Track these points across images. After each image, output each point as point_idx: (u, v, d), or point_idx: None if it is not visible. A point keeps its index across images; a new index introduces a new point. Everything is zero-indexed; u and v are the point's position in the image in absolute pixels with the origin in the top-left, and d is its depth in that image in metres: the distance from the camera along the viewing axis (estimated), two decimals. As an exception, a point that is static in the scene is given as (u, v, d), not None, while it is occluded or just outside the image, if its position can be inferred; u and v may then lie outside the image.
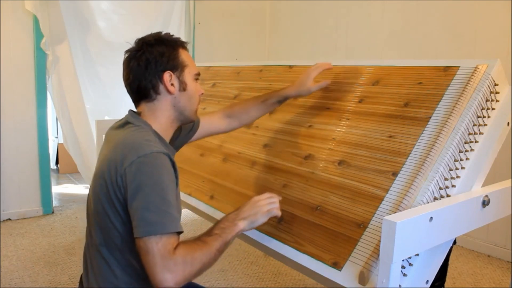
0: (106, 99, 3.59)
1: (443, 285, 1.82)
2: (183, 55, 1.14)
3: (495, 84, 1.09)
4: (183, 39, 1.20)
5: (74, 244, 2.80)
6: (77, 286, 1.19)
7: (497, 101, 1.09)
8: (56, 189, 4.08)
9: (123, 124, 1.11)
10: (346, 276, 0.95)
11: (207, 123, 1.41)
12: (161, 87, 1.10)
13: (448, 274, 1.90)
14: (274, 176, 1.34)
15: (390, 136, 1.15)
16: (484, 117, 1.07)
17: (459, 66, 1.15)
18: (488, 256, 2.71)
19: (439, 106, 1.11)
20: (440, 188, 0.99)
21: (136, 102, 1.15)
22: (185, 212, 1.64)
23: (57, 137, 4.85)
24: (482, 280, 2.39)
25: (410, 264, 0.91)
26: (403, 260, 0.88)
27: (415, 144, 1.07)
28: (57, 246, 2.77)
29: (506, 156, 2.47)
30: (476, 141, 1.05)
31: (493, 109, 1.08)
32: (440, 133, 1.04)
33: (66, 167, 4.72)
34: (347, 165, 1.18)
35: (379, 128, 1.19)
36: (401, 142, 1.11)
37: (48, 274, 2.38)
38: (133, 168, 0.94)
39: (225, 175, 1.51)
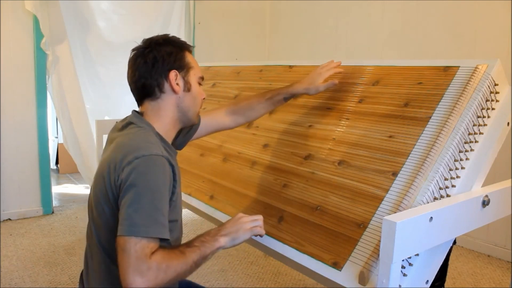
0: (106, 99, 3.59)
1: (443, 285, 1.82)
2: (189, 57, 1.15)
3: (495, 84, 1.09)
4: (183, 39, 1.21)
5: (74, 244, 2.80)
6: (77, 286, 1.19)
7: (497, 101, 1.09)
8: (56, 189, 4.08)
9: (126, 125, 1.11)
10: (346, 276, 0.95)
11: (211, 120, 1.40)
12: (167, 86, 1.11)
13: (448, 274, 1.90)
14: (274, 176, 1.34)
15: (390, 136, 1.15)
16: (484, 117, 1.07)
17: (459, 66, 1.15)
18: (488, 256, 2.71)
19: (439, 106, 1.11)
20: (440, 188, 0.99)
21: (140, 100, 1.15)
22: (185, 212, 1.64)
23: (57, 137, 4.85)
24: (482, 280, 2.39)
25: (410, 264, 0.91)
26: (403, 260, 0.88)
27: (415, 144, 1.07)
28: (57, 246, 2.77)
29: (506, 156, 2.47)
30: (476, 141, 1.05)
31: (493, 109, 1.08)
32: (440, 133, 1.04)
33: (66, 167, 4.72)
34: (347, 165, 1.18)
35: (379, 128, 1.19)
36: (401, 142, 1.11)
37: (48, 274, 2.38)
38: (129, 167, 0.94)
39: (225, 175, 1.51)
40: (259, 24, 4.33)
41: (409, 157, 1.06)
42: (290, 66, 1.68)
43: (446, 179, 1.00)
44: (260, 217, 1.09)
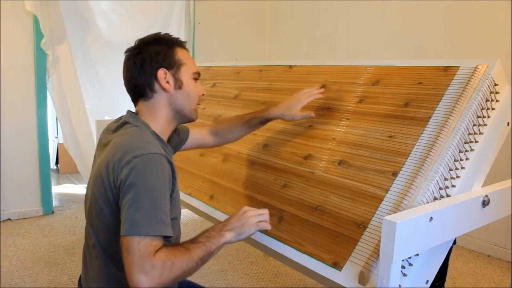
0: (106, 99, 3.59)
1: (443, 285, 1.82)
2: (180, 53, 1.14)
3: (495, 84, 1.09)
4: (183, 39, 1.21)
5: (74, 244, 2.80)
6: (76, 287, 1.19)
7: (497, 101, 1.09)
8: (56, 189, 4.08)
9: (121, 124, 1.11)
10: (346, 276, 0.95)
11: (197, 135, 1.42)
12: (157, 85, 1.11)
13: (448, 274, 1.90)
14: (274, 176, 1.34)
15: (390, 136, 1.15)
16: (484, 117, 1.07)
17: (459, 66, 1.15)
18: (488, 256, 2.71)
19: (439, 106, 1.11)
20: (440, 188, 0.99)
21: (134, 101, 1.16)
22: (185, 212, 1.64)
23: (57, 137, 4.85)
24: (482, 280, 2.39)
25: (410, 264, 0.91)
26: (403, 260, 0.88)
27: (415, 144, 1.07)
28: (57, 246, 2.77)
29: (506, 156, 2.47)
30: (476, 141, 1.05)
31: (493, 109, 1.08)
32: (440, 133, 1.04)
33: (66, 167, 4.72)
34: (347, 165, 1.18)
35: (379, 128, 1.19)
36: (401, 142, 1.11)
37: (48, 274, 2.38)
38: (128, 167, 0.94)
39: (225, 175, 1.51)
40: (259, 24, 4.33)
41: (409, 157, 1.06)
42: (290, 66, 1.68)
43: (446, 179, 1.00)
44: (265, 211, 1.07)
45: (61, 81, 3.24)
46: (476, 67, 1.10)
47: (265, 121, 1.39)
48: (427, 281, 0.96)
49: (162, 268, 0.87)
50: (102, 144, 1.13)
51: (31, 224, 3.14)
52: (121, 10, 3.52)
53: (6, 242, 2.79)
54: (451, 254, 2.40)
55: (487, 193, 1.04)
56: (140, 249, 0.87)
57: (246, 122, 1.39)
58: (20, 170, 3.22)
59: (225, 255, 2.64)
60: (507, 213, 1.14)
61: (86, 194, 1.13)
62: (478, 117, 1.06)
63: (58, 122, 3.83)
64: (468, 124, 1.04)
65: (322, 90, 1.38)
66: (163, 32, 1.17)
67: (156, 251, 0.88)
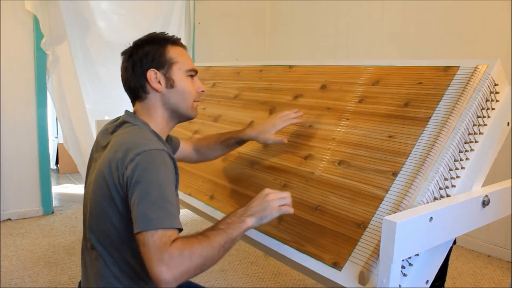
0: (106, 99, 3.59)
1: (443, 285, 1.82)
2: (171, 52, 1.13)
3: (495, 84, 1.09)
4: (183, 39, 1.21)
5: (74, 244, 2.80)
6: (77, 287, 1.19)
7: (497, 101, 1.09)
8: (56, 189, 4.08)
9: (120, 124, 1.11)
10: (346, 276, 0.95)
11: (185, 148, 1.43)
12: (148, 86, 1.11)
13: (448, 274, 1.90)
14: (274, 176, 1.34)
15: (390, 136, 1.15)
16: (484, 117, 1.07)
17: (459, 66, 1.15)
18: (488, 256, 2.71)
19: (439, 106, 1.11)
20: (440, 188, 0.99)
21: (132, 102, 1.17)
22: (185, 212, 1.64)
23: (57, 137, 4.86)
24: (482, 280, 2.39)
25: (410, 264, 0.91)
26: (403, 260, 0.88)
27: (415, 144, 1.07)
28: (57, 246, 2.77)
29: (506, 156, 2.47)
30: (476, 141, 1.05)
31: (493, 109, 1.08)
32: (440, 133, 1.04)
33: (66, 167, 4.73)
34: (347, 165, 1.18)
35: (379, 128, 1.19)
36: (401, 142, 1.11)
37: (48, 274, 2.38)
38: (132, 165, 0.94)
39: (225, 175, 1.51)
40: (259, 24, 4.33)
41: (409, 157, 1.06)
42: (290, 66, 1.68)
43: (446, 179, 1.00)
44: (287, 194, 1.04)
45: (61, 81, 3.24)
46: (476, 67, 1.10)
47: (240, 141, 1.38)
48: (427, 281, 0.96)
49: (181, 256, 0.85)
50: (100, 146, 1.13)
51: (31, 224, 3.14)
52: (121, 10, 3.52)
53: (6, 242, 2.79)
54: (451, 254, 2.40)
55: (487, 193, 1.04)
56: (155, 241, 0.86)
57: (223, 142, 1.39)
58: (20, 170, 3.22)
59: (225, 255, 2.64)
60: (507, 213, 1.14)
61: (85, 196, 1.13)
62: (478, 117, 1.06)
63: (58, 122, 3.82)
64: (468, 124, 1.04)
65: (300, 114, 1.36)
66: (165, 32, 1.17)
67: (173, 241, 0.87)
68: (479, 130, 1.06)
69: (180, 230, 0.93)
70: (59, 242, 2.83)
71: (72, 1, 3.25)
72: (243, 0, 4.19)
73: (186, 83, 1.14)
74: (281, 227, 1.17)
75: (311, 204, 1.17)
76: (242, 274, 2.42)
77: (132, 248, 1.01)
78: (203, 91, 1.19)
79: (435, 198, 0.99)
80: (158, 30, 1.18)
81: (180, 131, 1.86)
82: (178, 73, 1.13)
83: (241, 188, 1.41)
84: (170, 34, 1.17)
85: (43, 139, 3.31)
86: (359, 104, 1.30)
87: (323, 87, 1.46)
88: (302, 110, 1.47)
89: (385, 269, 0.82)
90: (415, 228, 0.85)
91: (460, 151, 1.03)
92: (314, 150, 1.30)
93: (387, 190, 1.04)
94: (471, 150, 1.04)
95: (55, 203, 3.57)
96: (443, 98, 1.12)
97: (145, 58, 1.11)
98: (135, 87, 1.12)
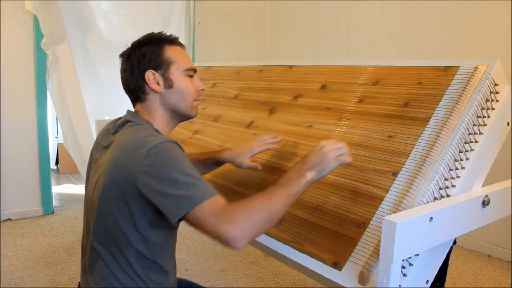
0: (106, 99, 3.59)
1: (443, 285, 1.82)
2: (169, 51, 1.13)
3: (495, 84, 1.09)
4: (183, 39, 1.21)
5: (74, 244, 2.80)
6: (76, 287, 1.19)
7: (497, 101, 1.09)
8: (56, 189, 4.08)
9: (122, 124, 1.11)
10: (346, 276, 0.95)
11: None
12: (147, 87, 1.11)
13: (448, 274, 1.90)
14: (274, 176, 1.34)
15: (390, 136, 1.15)
16: (484, 117, 1.07)
17: (459, 66, 1.15)
18: (488, 256, 2.71)
19: (439, 106, 1.11)
20: (440, 188, 0.99)
21: (132, 103, 1.17)
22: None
23: (57, 137, 4.86)
24: (482, 280, 2.39)
25: (410, 264, 0.91)
26: (403, 260, 0.88)
27: (415, 144, 1.07)
28: (57, 246, 2.77)
29: (506, 156, 2.47)
30: (476, 141, 1.05)
31: (493, 109, 1.08)
32: (440, 133, 1.04)
33: (66, 167, 4.73)
34: (347, 165, 1.18)
35: (379, 128, 1.19)
36: (401, 142, 1.11)
37: (48, 274, 2.38)
38: (147, 162, 0.93)
39: (225, 175, 1.51)
40: (259, 24, 4.33)
41: (409, 157, 1.06)
42: (290, 66, 1.68)
43: (446, 179, 1.00)
44: (343, 144, 1.02)
45: (61, 81, 3.24)
46: (476, 67, 1.10)
47: (218, 163, 1.38)
48: (427, 281, 0.96)
49: (241, 213, 0.84)
50: (101, 146, 1.12)
51: (31, 224, 3.14)
52: (121, 10, 3.52)
53: (6, 242, 2.79)
54: (451, 254, 2.40)
55: (487, 193, 1.04)
56: (207, 210, 0.85)
57: (202, 161, 1.38)
58: (20, 170, 3.22)
59: (225, 255, 2.64)
60: (507, 213, 1.14)
61: (86, 197, 1.12)
62: (478, 117, 1.06)
63: (58, 122, 3.83)
64: (468, 124, 1.04)
65: (279, 139, 1.34)
66: (163, 32, 1.17)
67: (224, 204, 0.86)
68: (479, 130, 1.06)
69: None
70: (59, 242, 2.83)
71: (72, 1, 3.25)
72: (243, 0, 4.19)
73: (185, 82, 1.14)
74: (281, 227, 1.17)
75: (311, 204, 1.17)
76: (242, 274, 2.42)
77: (135, 248, 1.01)
78: (202, 89, 1.19)
79: (435, 198, 0.99)
80: (158, 30, 1.17)
81: (180, 131, 1.86)
82: (176, 73, 1.13)
83: (241, 188, 1.41)
84: (170, 34, 1.16)
85: (43, 139, 3.31)
86: (359, 104, 1.30)
87: (323, 87, 1.46)
88: (302, 110, 1.47)
89: (385, 269, 0.82)
90: (415, 228, 0.85)
91: (460, 151, 1.03)
92: (314, 150, 1.30)
93: (387, 190, 1.04)
94: (471, 150, 1.04)
95: (55, 203, 3.57)
96: (443, 98, 1.12)
97: (142, 59, 1.11)
98: (134, 88, 1.12)
